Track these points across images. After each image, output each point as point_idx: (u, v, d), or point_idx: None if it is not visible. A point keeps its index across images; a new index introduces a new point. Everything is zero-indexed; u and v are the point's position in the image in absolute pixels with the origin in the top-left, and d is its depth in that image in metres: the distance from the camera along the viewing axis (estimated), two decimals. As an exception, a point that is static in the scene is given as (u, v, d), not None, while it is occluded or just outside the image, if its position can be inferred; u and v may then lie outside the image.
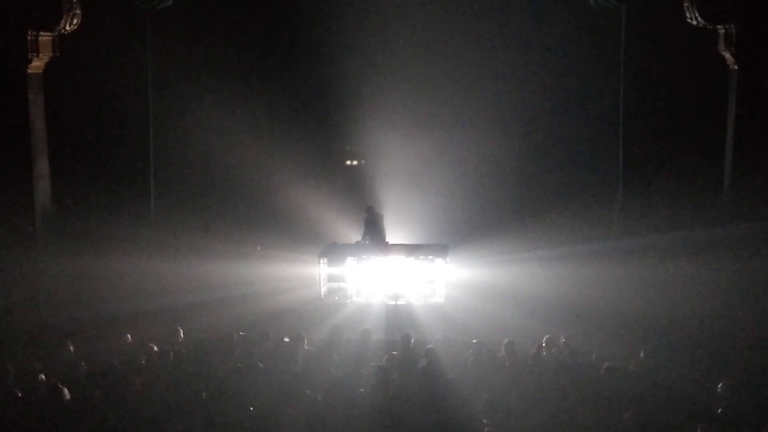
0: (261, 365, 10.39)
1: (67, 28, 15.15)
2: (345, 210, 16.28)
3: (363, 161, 17.54)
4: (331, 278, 14.79)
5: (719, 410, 8.62)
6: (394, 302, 14.34)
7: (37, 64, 15.08)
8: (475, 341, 11.52)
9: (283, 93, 16.69)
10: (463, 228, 16.13)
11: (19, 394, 9.13)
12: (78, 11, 15.15)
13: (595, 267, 14.66)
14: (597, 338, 11.88)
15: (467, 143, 16.54)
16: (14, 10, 14.61)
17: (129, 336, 11.98)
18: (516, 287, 14.50)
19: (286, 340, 11.56)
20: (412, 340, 11.40)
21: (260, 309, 14.01)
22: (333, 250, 15.12)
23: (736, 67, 14.68)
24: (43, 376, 9.79)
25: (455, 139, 16.60)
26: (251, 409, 9.08)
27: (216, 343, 11.61)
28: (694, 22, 14.79)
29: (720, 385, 9.01)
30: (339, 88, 16.52)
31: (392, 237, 15.74)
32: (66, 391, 9.18)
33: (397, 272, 14.53)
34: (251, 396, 9.37)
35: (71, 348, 11.28)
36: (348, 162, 17.63)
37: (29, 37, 14.89)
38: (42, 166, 15.36)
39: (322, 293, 14.78)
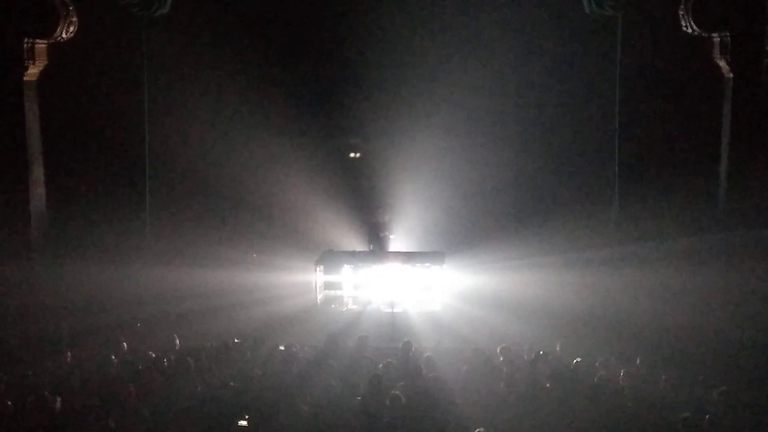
0: (259, 372, 10.37)
1: (64, 35, 15.18)
2: (342, 218, 16.28)
3: (361, 155, 17.52)
4: (327, 286, 14.78)
5: (715, 417, 8.61)
6: (390, 310, 14.33)
7: (33, 72, 15.11)
8: (471, 349, 11.52)
9: (282, 98, 16.63)
10: (459, 236, 16.13)
11: (9, 403, 9.07)
12: (74, 19, 15.18)
13: (591, 274, 14.66)
14: (593, 345, 11.88)
15: (463, 151, 16.54)
16: (11, 17, 14.63)
17: (125, 344, 11.96)
18: (512, 295, 14.50)
19: (282, 348, 11.55)
20: (413, 348, 11.39)
21: (256, 317, 13.99)
22: (329, 257, 15.11)
23: (731, 75, 14.74)
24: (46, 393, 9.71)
25: (451, 146, 16.60)
26: (247, 417, 9.07)
27: (212, 350, 11.59)
28: (690, 31, 14.85)
29: (717, 391, 9.01)
30: (337, 91, 16.54)
31: (390, 244, 15.77)
32: (58, 400, 9.13)
33: (394, 280, 14.53)
34: (247, 404, 9.35)
35: (69, 356, 11.25)
36: (351, 155, 17.58)
37: (26, 45, 14.93)
38: (38, 173, 15.36)
39: (318, 301, 14.77)
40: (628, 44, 15.28)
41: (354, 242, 16.17)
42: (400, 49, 16.38)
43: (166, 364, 10.79)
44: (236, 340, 12.15)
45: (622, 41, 15.29)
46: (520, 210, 16.53)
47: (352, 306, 14.71)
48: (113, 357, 11.29)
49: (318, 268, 14.72)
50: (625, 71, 15.41)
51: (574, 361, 10.84)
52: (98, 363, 11.04)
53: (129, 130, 15.91)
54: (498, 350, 11.21)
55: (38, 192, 15.37)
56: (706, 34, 14.79)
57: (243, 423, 8.98)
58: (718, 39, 14.71)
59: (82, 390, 9.81)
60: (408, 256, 15.04)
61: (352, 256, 15.23)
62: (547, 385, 9.82)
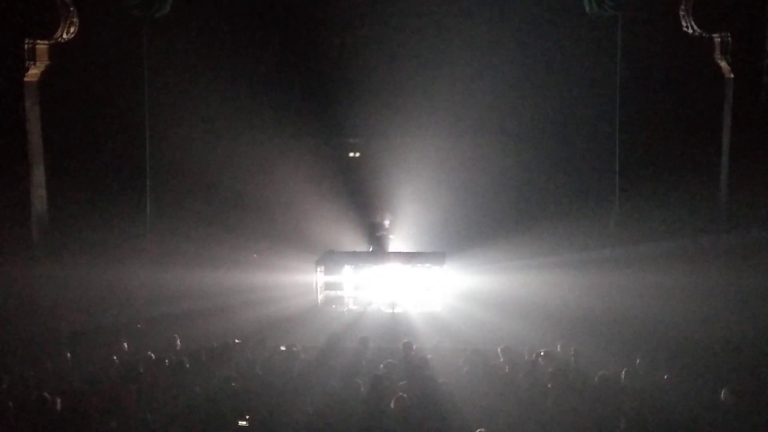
0: (260, 373, 10.37)
1: (64, 36, 15.18)
2: (343, 218, 16.30)
3: (360, 155, 17.51)
4: (328, 286, 14.79)
5: (723, 416, 8.62)
6: (391, 310, 14.34)
7: (33, 72, 15.12)
8: (471, 349, 11.53)
9: (282, 98, 16.64)
10: (460, 236, 16.14)
11: (10, 404, 9.08)
12: (75, 19, 15.19)
13: (592, 275, 14.66)
14: (593, 346, 11.87)
15: (463, 151, 16.56)
16: (11, 18, 14.64)
17: (125, 344, 11.96)
18: (513, 295, 14.50)
19: (283, 348, 11.55)
20: (414, 348, 11.40)
21: (257, 317, 13.98)
22: (330, 258, 15.13)
23: (731, 75, 14.73)
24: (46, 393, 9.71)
25: (451, 146, 16.61)
26: (248, 417, 9.07)
27: (213, 351, 11.59)
28: (690, 31, 14.84)
29: (723, 390, 9.02)
30: (337, 91, 16.54)
31: (390, 245, 15.78)
32: (59, 400, 9.13)
33: (395, 280, 14.54)
34: (248, 404, 9.36)
35: (68, 356, 11.25)
36: (351, 154, 17.56)
37: (26, 45, 14.93)
38: (38, 174, 15.36)
39: (319, 301, 14.78)
40: (628, 44, 15.27)
41: (354, 243, 16.17)
42: (399, 49, 16.39)
43: (167, 364, 10.79)
44: (237, 341, 12.14)
45: (622, 41, 15.29)
46: (521, 210, 16.53)
47: (352, 306, 14.72)
48: (114, 357, 11.31)
49: (318, 269, 14.73)
50: (625, 71, 15.40)
51: (572, 359, 10.86)
52: (99, 363, 11.05)
53: (130, 130, 15.92)
54: (499, 350, 11.22)
55: (39, 193, 15.37)
56: (707, 35, 14.78)
57: (243, 423, 8.99)
58: (719, 39, 14.70)
59: (83, 390, 9.81)
60: (408, 257, 15.06)
61: (353, 256, 15.25)
62: (549, 385, 9.82)
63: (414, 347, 11.47)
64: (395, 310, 14.34)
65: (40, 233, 15.31)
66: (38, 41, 15.02)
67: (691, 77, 15.07)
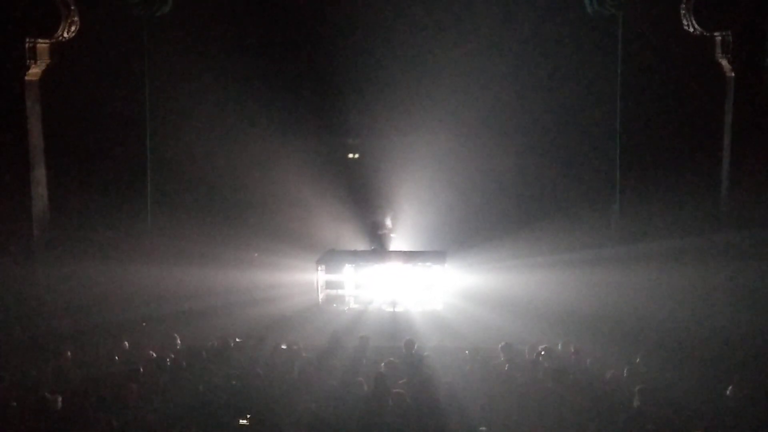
0: (260, 372, 10.38)
1: (65, 35, 15.21)
2: (344, 217, 16.30)
3: (359, 155, 17.51)
4: (329, 285, 14.82)
5: (719, 416, 8.63)
6: (392, 309, 14.35)
7: (35, 71, 15.14)
8: (472, 348, 11.54)
9: (283, 96, 16.61)
10: (460, 235, 16.15)
11: (15, 404, 9.10)
12: (76, 18, 15.22)
13: (593, 274, 14.68)
14: (594, 344, 11.88)
15: (464, 150, 16.56)
16: (12, 17, 14.66)
17: (126, 343, 11.97)
18: (514, 294, 14.51)
19: (284, 347, 11.57)
20: (415, 347, 11.41)
21: (258, 316, 14.00)
22: (331, 257, 15.15)
23: (732, 74, 14.73)
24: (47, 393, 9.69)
25: (452, 146, 16.61)
26: (248, 416, 9.08)
27: (213, 350, 11.60)
28: (691, 30, 14.85)
29: (730, 387, 9.03)
30: (337, 91, 16.53)
31: (391, 244, 15.80)
32: (59, 400, 9.14)
33: (396, 279, 14.55)
34: (248, 403, 9.37)
35: (69, 355, 11.26)
36: (350, 155, 17.54)
37: (27, 44, 14.96)
38: (39, 173, 15.39)
39: (320, 300, 14.79)
40: (629, 43, 15.26)
41: (355, 241, 16.17)
42: (399, 49, 16.39)
43: (167, 363, 10.80)
44: (238, 340, 12.16)
45: (623, 40, 15.28)
46: (522, 209, 16.53)
47: (353, 305, 14.74)
48: (115, 356, 11.32)
49: (320, 268, 14.75)
50: (626, 70, 15.39)
51: (573, 358, 10.87)
52: (100, 362, 11.06)
53: (130, 129, 15.93)
54: (499, 348, 11.23)
55: (40, 192, 15.39)
56: (708, 33, 14.79)
57: (244, 422, 9.00)
58: (720, 38, 14.71)
59: (84, 389, 9.82)
60: (409, 255, 15.08)
61: (354, 255, 15.27)
62: (549, 384, 9.82)
63: (415, 345, 11.48)
64: (396, 309, 14.36)
65: (41, 232, 15.33)
66: (39, 40, 15.04)
67: (691, 76, 15.07)
